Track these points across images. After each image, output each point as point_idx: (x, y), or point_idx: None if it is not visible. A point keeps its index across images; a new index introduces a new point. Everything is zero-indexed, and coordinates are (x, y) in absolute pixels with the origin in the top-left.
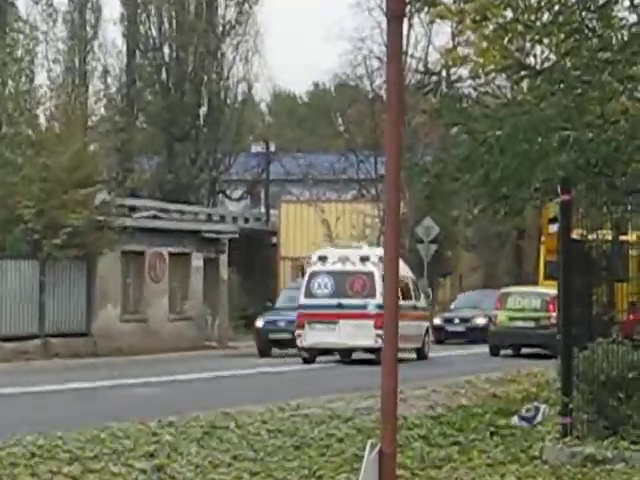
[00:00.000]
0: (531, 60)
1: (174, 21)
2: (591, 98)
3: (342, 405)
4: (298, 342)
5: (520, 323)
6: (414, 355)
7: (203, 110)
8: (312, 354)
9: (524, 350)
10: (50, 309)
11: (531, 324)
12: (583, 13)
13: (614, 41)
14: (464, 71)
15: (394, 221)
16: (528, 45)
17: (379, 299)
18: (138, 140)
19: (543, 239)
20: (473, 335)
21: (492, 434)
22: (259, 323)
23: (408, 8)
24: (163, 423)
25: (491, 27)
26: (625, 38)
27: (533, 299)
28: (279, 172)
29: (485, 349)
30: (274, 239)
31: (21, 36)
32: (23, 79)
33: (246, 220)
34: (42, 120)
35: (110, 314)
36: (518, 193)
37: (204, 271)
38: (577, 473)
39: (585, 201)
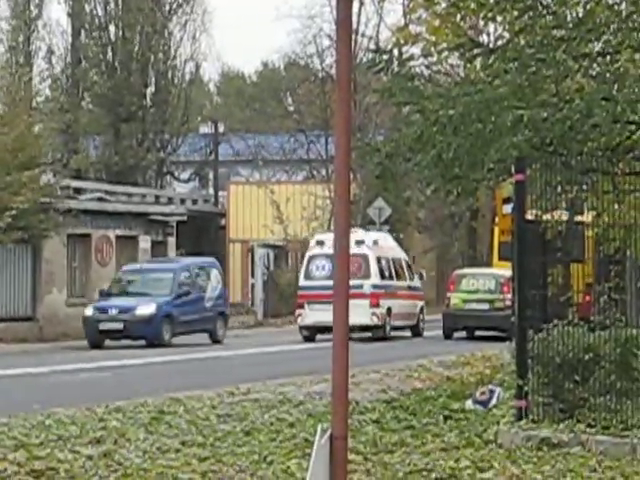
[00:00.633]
0: (484, 38)
1: None
2: (545, 76)
3: (293, 389)
4: (299, 321)
5: (474, 305)
6: (409, 333)
7: (150, 90)
8: (312, 332)
9: (478, 332)
10: None
11: (485, 306)
12: None
13: (569, 18)
14: (416, 50)
15: (345, 200)
16: (481, 23)
17: (374, 279)
18: (84, 121)
19: (497, 220)
20: None
21: (446, 418)
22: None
23: None
24: (110, 409)
25: (443, 4)
26: (580, 15)
27: (487, 281)
28: (228, 153)
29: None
30: (223, 221)
31: None
32: None
33: (194, 202)
34: None
35: (56, 298)
36: (471, 173)
37: (152, 254)
38: (532, 457)
39: (540, 181)
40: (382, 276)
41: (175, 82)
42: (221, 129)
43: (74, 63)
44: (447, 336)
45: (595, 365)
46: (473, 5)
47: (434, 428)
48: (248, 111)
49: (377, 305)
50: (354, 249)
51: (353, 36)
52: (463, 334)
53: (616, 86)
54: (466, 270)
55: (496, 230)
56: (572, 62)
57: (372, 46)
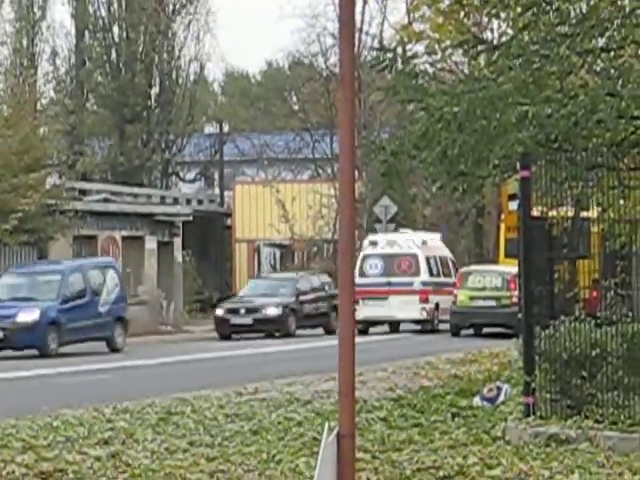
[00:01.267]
0: (488, 35)
1: (123, 0)
2: (550, 72)
3: (301, 388)
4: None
5: (481, 302)
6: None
7: (155, 91)
8: (365, 326)
9: (485, 330)
10: None
11: (492, 303)
12: None
13: (572, 14)
14: (420, 47)
15: (350, 199)
16: (485, 19)
17: (423, 277)
18: (89, 122)
19: (503, 217)
20: None
21: (454, 415)
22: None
23: None
24: (118, 409)
25: (446, 2)
26: (583, 11)
27: (494, 278)
28: (233, 153)
29: None
30: (229, 221)
31: None
32: None
33: (200, 202)
34: None
35: None
36: (477, 170)
37: (158, 254)
38: (540, 453)
39: (545, 177)
40: (431, 274)
41: (179, 82)
42: (226, 129)
43: (78, 64)
44: (454, 333)
45: (602, 361)
46: (476, 2)
47: (442, 425)
48: (253, 111)
49: (426, 300)
50: (404, 249)
51: (357, 34)
52: (470, 331)
53: (620, 81)
54: (472, 267)
55: (502, 227)
56: (576, 58)
57: (376, 44)
